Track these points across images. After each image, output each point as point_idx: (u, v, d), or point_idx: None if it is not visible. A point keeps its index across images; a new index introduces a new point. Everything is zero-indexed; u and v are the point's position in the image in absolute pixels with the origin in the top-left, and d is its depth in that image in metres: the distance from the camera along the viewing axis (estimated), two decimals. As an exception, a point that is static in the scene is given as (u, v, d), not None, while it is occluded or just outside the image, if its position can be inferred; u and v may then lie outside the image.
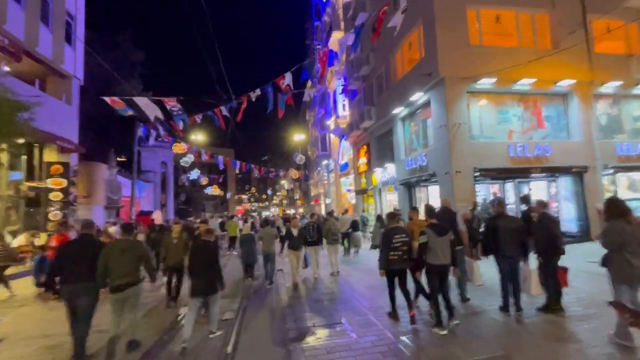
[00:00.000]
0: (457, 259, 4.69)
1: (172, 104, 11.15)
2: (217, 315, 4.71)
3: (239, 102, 13.49)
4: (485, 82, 10.58)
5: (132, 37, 24.29)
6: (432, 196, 13.73)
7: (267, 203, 79.10)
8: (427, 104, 11.82)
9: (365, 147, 18.77)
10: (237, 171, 55.53)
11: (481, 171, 10.19)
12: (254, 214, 65.45)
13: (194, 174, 29.40)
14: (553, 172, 10.99)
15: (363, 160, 19.15)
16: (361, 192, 19.49)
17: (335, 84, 23.24)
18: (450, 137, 10.20)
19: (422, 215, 5.36)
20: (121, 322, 4.08)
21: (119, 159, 29.63)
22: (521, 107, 11.30)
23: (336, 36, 23.45)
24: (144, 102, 10.98)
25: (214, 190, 38.03)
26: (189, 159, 24.18)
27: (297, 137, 26.14)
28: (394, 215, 5.06)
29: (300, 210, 43.24)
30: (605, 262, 3.76)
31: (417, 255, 4.48)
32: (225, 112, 14.71)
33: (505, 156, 10.56)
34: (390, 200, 16.52)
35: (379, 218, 9.03)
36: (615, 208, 3.74)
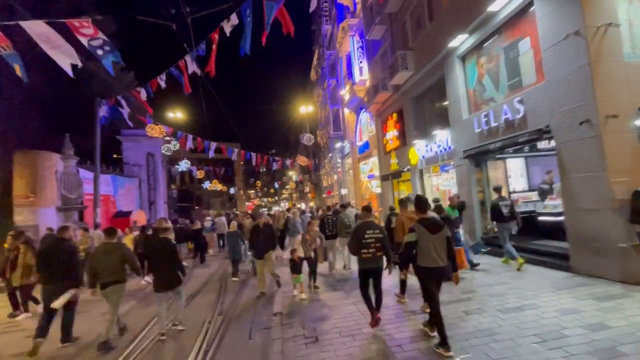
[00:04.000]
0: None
1: (88, 32, 6.59)
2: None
3: (207, 41, 8.95)
4: (644, -47, 5.67)
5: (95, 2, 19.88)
6: (514, 172, 9.01)
7: (276, 198, 74.94)
8: (520, 14, 6.97)
9: (395, 115, 13.97)
10: (242, 162, 51.25)
11: (656, 114, 5.35)
12: (264, 209, 61.51)
13: (183, 165, 25.06)
14: None
15: (392, 133, 14.38)
16: (390, 177, 14.77)
17: (348, 43, 18.41)
18: (592, 52, 5.36)
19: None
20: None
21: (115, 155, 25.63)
22: (696, 4, 6.34)
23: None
24: (39, 32, 6.47)
25: (214, 185, 33.80)
26: (173, 146, 19.87)
27: (304, 109, 21.39)
28: (368, 209, 4.67)
29: (312, 204, 38.70)
30: None
31: (404, 253, 3.77)
32: (193, 66, 10.23)
33: (692, 87, 5.69)
34: (437, 185, 11.79)
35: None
36: None
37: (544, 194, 8.33)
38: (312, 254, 6.36)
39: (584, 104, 5.48)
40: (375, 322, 4.14)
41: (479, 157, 8.63)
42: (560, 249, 6.60)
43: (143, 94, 12.32)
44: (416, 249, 3.66)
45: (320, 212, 12.49)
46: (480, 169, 8.92)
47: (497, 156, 8.68)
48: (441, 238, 3.65)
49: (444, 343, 3.42)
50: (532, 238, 7.99)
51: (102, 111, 14.42)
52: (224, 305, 6.24)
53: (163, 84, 11.38)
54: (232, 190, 44.88)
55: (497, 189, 7.11)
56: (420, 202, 3.96)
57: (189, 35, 10.02)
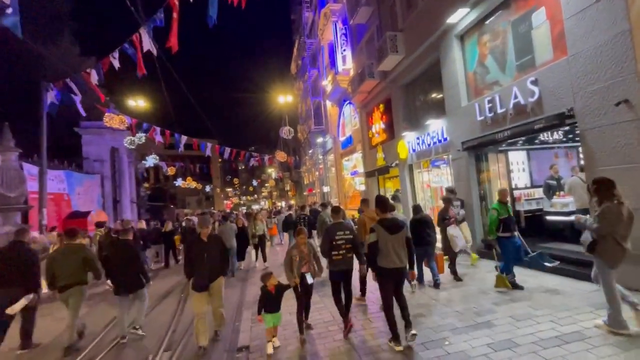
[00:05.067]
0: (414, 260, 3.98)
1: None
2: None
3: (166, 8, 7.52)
4: None
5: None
6: (515, 167, 8.13)
7: (255, 196, 72.92)
8: (534, -20, 5.97)
9: (382, 106, 12.90)
10: (219, 160, 49.14)
11: None
12: (243, 208, 59.52)
13: (151, 160, 23.05)
14: None
15: (378, 126, 13.31)
16: (376, 173, 13.71)
17: (331, 30, 17.19)
18: (633, 16, 4.39)
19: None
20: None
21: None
22: None
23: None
24: None
25: (187, 183, 31.75)
26: (138, 139, 17.97)
27: (282, 99, 19.94)
28: (336, 210, 4.68)
29: (292, 202, 37.37)
30: (593, 248, 3.49)
31: (367, 255, 3.75)
32: (148, 44, 8.75)
33: None
34: (427, 182, 10.82)
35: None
36: (608, 187, 3.41)
37: (550, 190, 7.48)
38: (307, 280, 4.04)
39: (620, 80, 4.52)
40: (348, 330, 4.00)
41: (480, 149, 7.65)
42: (580, 255, 5.67)
43: (94, 77, 10.66)
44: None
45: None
46: (481, 162, 7.95)
47: (500, 148, 7.73)
48: (400, 238, 3.67)
49: (395, 338, 3.59)
50: (539, 240, 7.10)
51: (51, 97, 12.53)
52: (176, 332, 4.89)
53: (117, 64, 9.78)
54: (207, 189, 42.71)
55: (451, 190, 7.48)
56: (381, 202, 3.89)
57: (145, 3, 8.49)
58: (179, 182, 31.46)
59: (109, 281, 7.96)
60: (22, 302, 4.25)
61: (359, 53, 14.63)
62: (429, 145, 9.44)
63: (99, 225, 9.29)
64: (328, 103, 20.22)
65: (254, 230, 9.34)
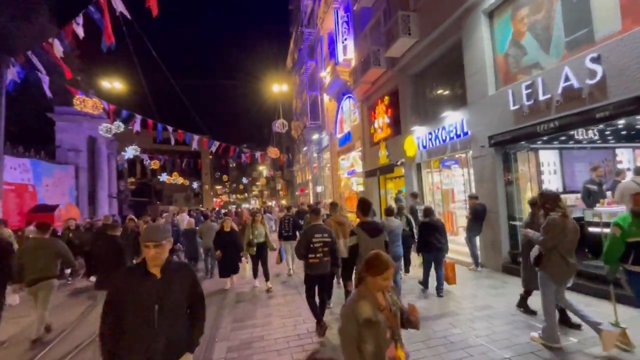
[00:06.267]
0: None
1: None
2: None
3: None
4: None
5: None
6: (546, 168, 6.99)
7: (246, 195, 71.15)
8: None
9: (386, 98, 11.68)
10: (210, 156, 47.51)
11: None
12: (232, 207, 57.68)
13: (131, 151, 21.39)
14: None
15: (382, 120, 12.09)
16: (378, 172, 12.47)
17: (331, 18, 15.95)
18: None
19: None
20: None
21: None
22: None
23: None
24: None
25: (173, 178, 30.04)
26: (116, 127, 16.34)
27: (277, 87, 18.49)
28: (316, 212, 4.45)
29: (283, 202, 35.97)
30: (539, 261, 3.44)
31: (348, 258, 3.61)
32: (119, 5, 7.41)
33: None
34: (437, 184, 9.64)
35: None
36: (554, 199, 3.37)
37: (590, 196, 6.32)
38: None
39: None
40: (323, 331, 3.98)
41: (511, 145, 6.45)
42: None
43: (58, 49, 9.15)
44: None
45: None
46: (509, 162, 6.76)
47: (532, 145, 6.56)
48: (380, 242, 3.60)
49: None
50: (579, 257, 5.94)
51: (12, 74, 10.95)
52: None
53: (81, 33, 8.33)
54: (194, 185, 40.95)
55: (414, 195, 8.14)
56: (362, 204, 3.84)
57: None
58: (164, 177, 29.69)
59: (92, 278, 6.87)
60: (12, 296, 4.34)
61: (362, 41, 13.40)
62: (444, 140, 8.24)
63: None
64: (325, 97, 18.94)
65: (251, 235, 6.60)
